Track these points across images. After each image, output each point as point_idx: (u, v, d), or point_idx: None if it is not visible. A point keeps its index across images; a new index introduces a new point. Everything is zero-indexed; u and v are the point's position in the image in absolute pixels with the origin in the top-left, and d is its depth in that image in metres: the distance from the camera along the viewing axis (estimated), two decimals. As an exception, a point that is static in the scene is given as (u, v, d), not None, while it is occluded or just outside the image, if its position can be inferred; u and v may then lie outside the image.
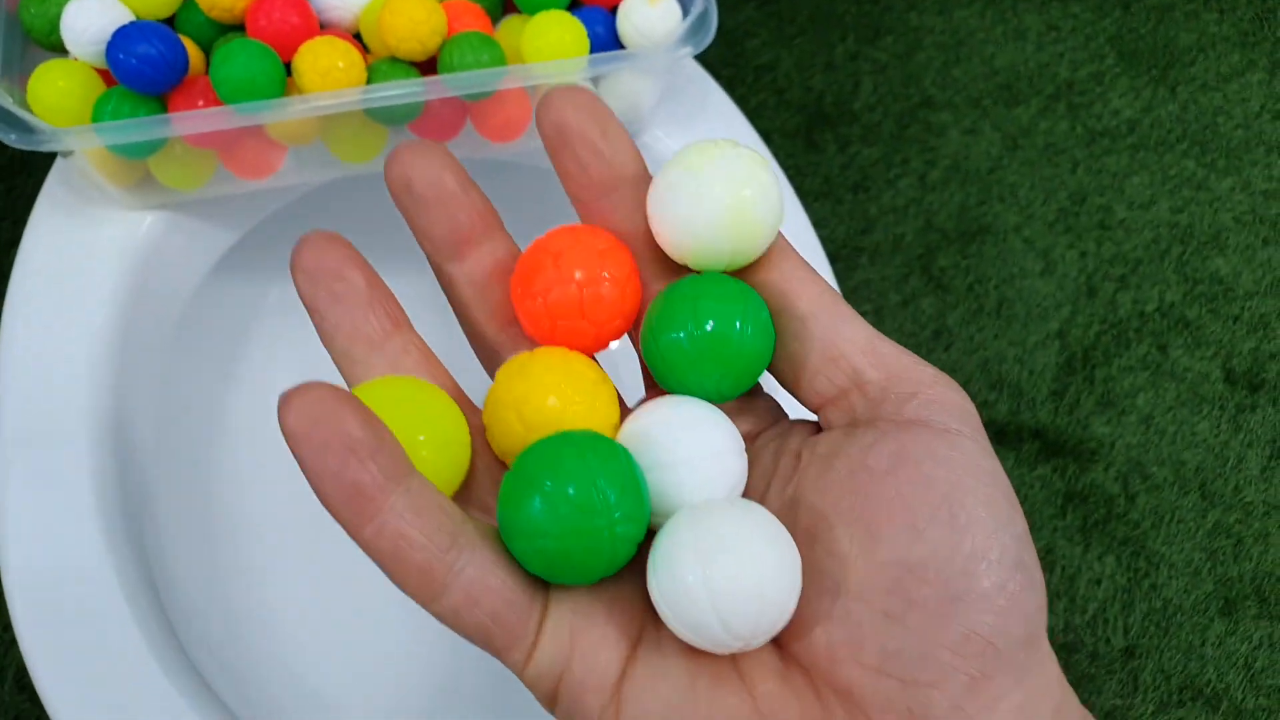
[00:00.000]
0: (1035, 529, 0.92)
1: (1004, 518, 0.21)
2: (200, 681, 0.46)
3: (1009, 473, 0.93)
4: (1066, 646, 0.88)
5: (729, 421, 0.22)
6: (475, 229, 0.24)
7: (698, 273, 0.24)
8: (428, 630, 0.67)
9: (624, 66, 0.50)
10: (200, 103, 0.47)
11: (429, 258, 0.24)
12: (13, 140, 0.44)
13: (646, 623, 0.22)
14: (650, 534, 0.22)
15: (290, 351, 0.71)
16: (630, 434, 0.22)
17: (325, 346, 0.23)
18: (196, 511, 0.62)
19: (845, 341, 0.22)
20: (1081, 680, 0.86)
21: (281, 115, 0.46)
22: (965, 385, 0.98)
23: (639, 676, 0.20)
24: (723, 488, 0.22)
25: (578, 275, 0.23)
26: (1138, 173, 1.11)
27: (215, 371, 0.65)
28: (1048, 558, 0.91)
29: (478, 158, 0.59)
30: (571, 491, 0.20)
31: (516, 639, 0.20)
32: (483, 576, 0.20)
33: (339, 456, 0.18)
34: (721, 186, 0.22)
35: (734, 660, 0.21)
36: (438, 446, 0.21)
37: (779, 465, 0.23)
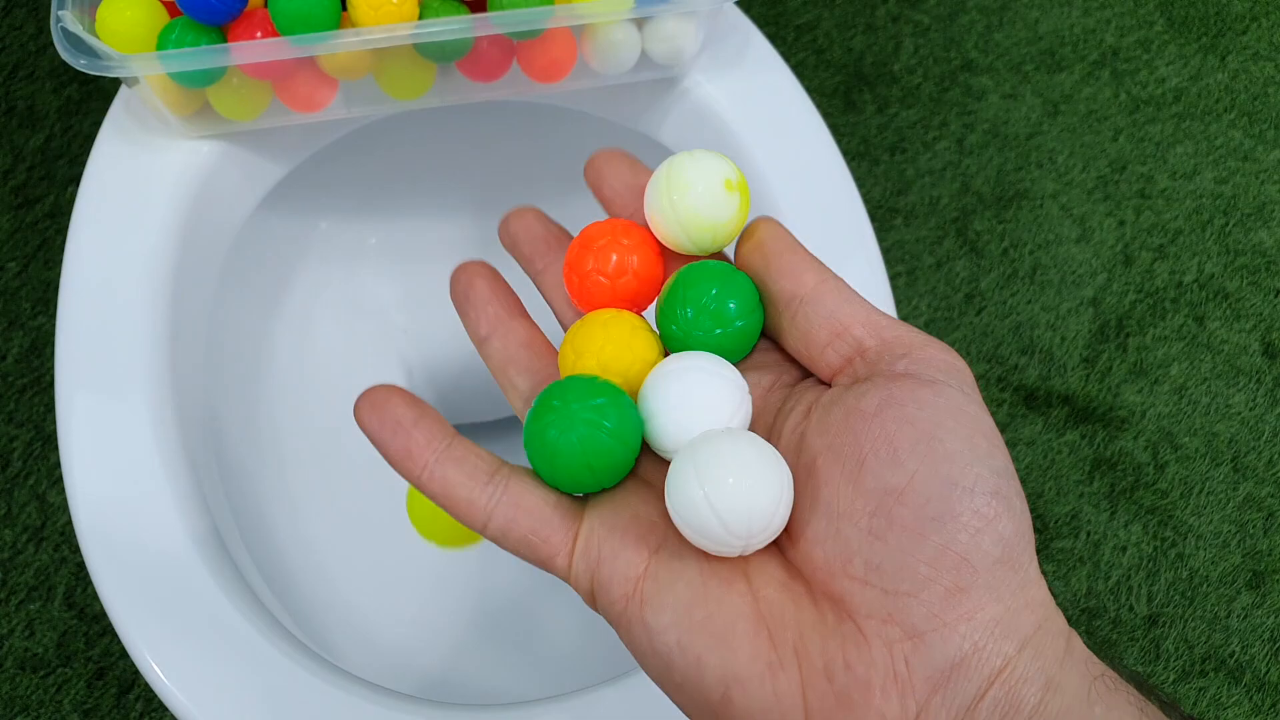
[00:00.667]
0: (1062, 494, 0.93)
1: (982, 452, 0.23)
2: (256, 601, 0.48)
3: (1037, 437, 0.94)
4: (1089, 611, 0.88)
5: (733, 370, 0.27)
6: (551, 249, 0.31)
7: (701, 258, 0.30)
8: (456, 562, 0.69)
9: (669, 9, 0.50)
10: (259, 34, 0.48)
11: (527, 272, 0.32)
12: (81, 65, 0.46)
13: (668, 536, 0.25)
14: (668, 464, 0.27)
15: (333, 289, 0.72)
16: (652, 379, 0.27)
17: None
18: (243, 440, 0.64)
19: (848, 318, 0.26)
20: (1103, 646, 0.87)
21: (335, 48, 0.48)
22: (996, 349, 0.99)
23: (658, 574, 0.24)
24: (725, 421, 0.26)
25: (611, 262, 0.29)
26: (1182, 142, 1.10)
27: (261, 302, 0.67)
28: (1072, 523, 0.91)
29: (523, 99, 0.60)
30: (575, 408, 0.25)
31: (555, 549, 0.26)
32: (518, 503, 0.26)
33: (392, 429, 0.26)
34: (680, 185, 0.28)
35: (743, 569, 0.24)
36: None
37: (791, 414, 0.27)
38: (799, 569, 0.25)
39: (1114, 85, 1.12)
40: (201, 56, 0.47)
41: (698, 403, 0.26)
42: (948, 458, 0.23)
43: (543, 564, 0.26)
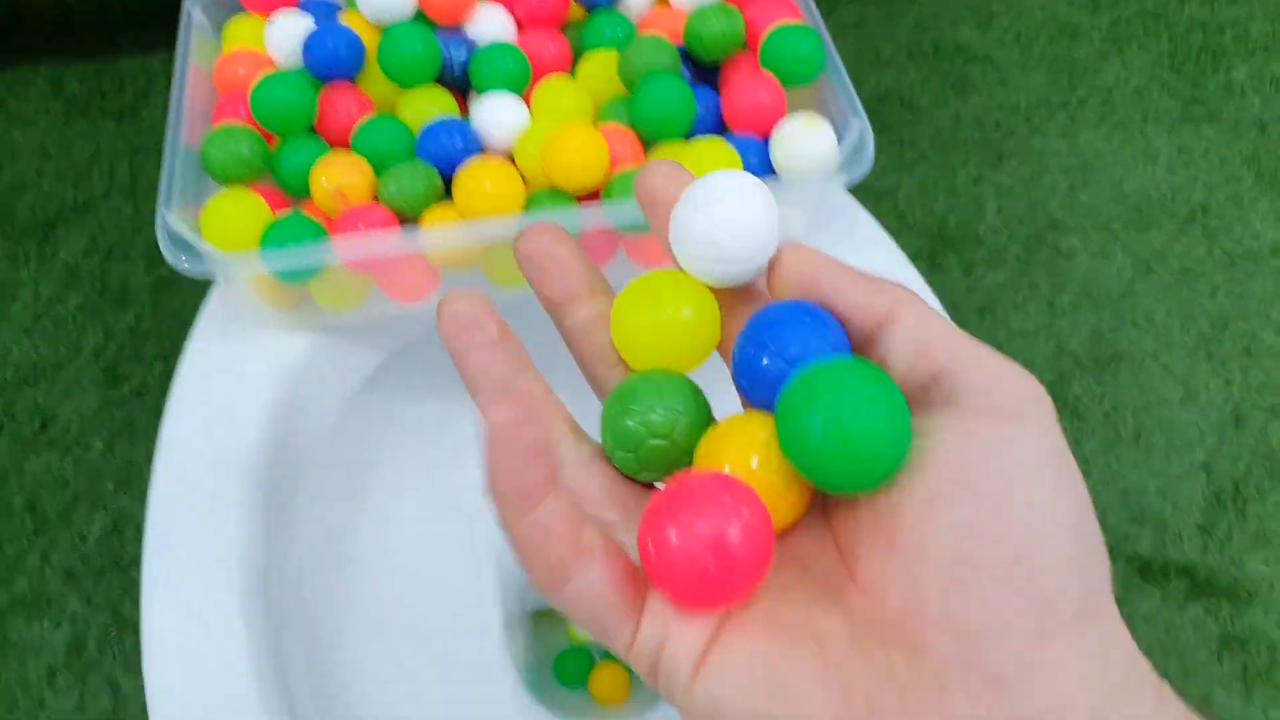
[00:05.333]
0: (1190, 676, 0.87)
1: (1065, 492, 0.22)
2: None
3: (1156, 612, 0.88)
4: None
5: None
6: (581, 290, 0.28)
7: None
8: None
9: (779, 194, 0.49)
10: (360, 226, 0.47)
11: (549, 313, 0.29)
12: (184, 267, 0.45)
13: (730, 611, 0.24)
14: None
15: (418, 474, 0.71)
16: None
17: (465, 384, 0.27)
18: (330, 637, 0.62)
19: (927, 339, 0.24)
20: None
21: (440, 242, 0.47)
22: (1104, 516, 0.94)
23: (722, 646, 0.23)
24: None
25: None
26: (1283, 297, 1.06)
27: (351, 488, 0.66)
28: (1203, 708, 0.84)
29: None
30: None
31: (621, 627, 0.24)
32: (598, 575, 0.24)
33: (524, 460, 0.23)
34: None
35: (810, 628, 0.23)
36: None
37: None
38: (868, 620, 0.23)
39: (1207, 242, 1.10)
40: (305, 255, 0.46)
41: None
42: (1030, 498, 0.22)
43: (606, 639, 0.25)
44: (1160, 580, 0.91)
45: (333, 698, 0.60)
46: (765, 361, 0.24)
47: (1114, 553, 0.91)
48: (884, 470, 0.23)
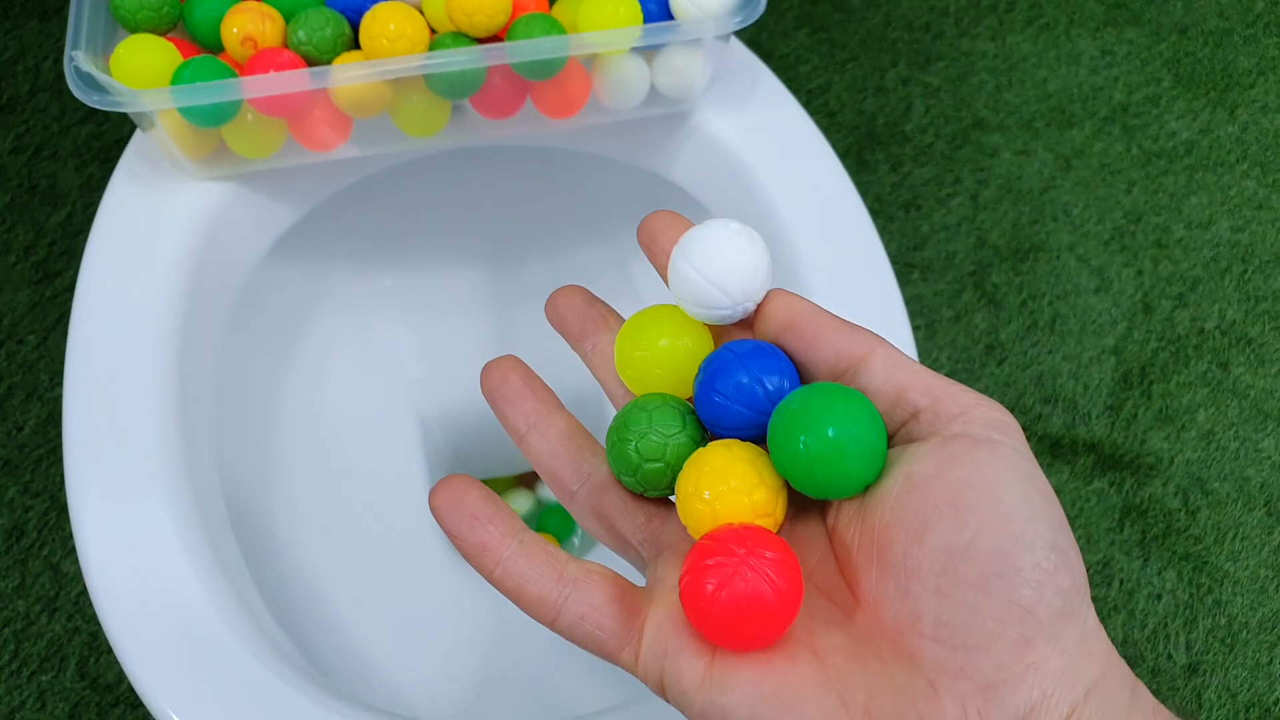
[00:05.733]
0: (1092, 542, 0.91)
1: (1039, 507, 0.24)
2: (275, 649, 0.46)
3: (1064, 485, 0.92)
4: (1126, 660, 0.85)
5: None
6: (599, 326, 0.32)
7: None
8: (468, 596, 0.67)
9: (676, 37, 0.51)
10: (271, 70, 0.49)
11: (576, 351, 0.33)
12: (94, 101, 0.46)
13: None
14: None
15: (346, 339, 0.72)
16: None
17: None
18: (255, 491, 0.63)
19: (902, 381, 0.26)
20: (1142, 696, 0.84)
21: (346, 79, 0.48)
22: (1018, 399, 0.97)
23: (728, 658, 0.25)
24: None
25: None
26: (1196, 193, 1.10)
27: (273, 352, 0.67)
28: (1104, 571, 0.89)
29: (537, 143, 0.60)
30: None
31: (622, 644, 0.26)
32: (587, 600, 0.27)
33: (469, 523, 0.27)
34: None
35: (809, 643, 0.25)
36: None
37: None
38: (866, 633, 0.25)
39: (1125, 140, 1.13)
40: (213, 90, 0.47)
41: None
42: (1008, 515, 0.24)
43: (609, 657, 0.27)
44: (1069, 456, 0.95)
45: (265, 562, 0.61)
46: (716, 399, 0.28)
47: (1027, 431, 0.94)
48: (867, 475, 0.26)
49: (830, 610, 0.26)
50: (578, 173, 0.69)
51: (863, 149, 1.12)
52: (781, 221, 0.55)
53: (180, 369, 0.51)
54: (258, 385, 0.66)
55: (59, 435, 0.92)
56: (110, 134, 1.09)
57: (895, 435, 0.27)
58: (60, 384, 0.94)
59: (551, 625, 0.27)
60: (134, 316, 0.51)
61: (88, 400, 0.49)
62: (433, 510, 0.27)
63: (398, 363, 0.73)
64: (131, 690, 0.81)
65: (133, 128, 0.65)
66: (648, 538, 0.29)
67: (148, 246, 0.53)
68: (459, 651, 0.65)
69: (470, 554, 0.27)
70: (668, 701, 0.26)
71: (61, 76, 1.12)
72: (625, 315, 0.32)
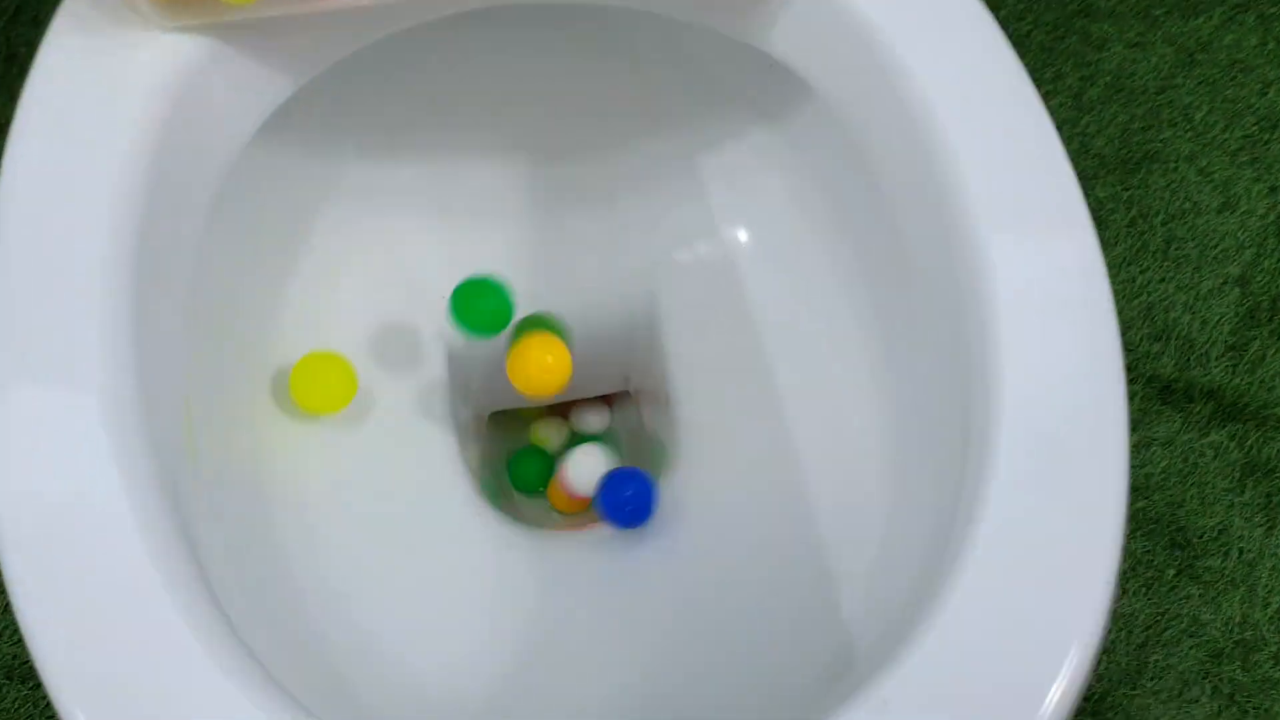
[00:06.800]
0: (1207, 504, 0.81)
1: None
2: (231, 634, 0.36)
3: (1175, 437, 0.81)
4: (1243, 644, 0.76)
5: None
6: None
7: None
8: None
9: None
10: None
11: None
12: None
13: None
14: None
15: (358, 249, 0.61)
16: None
17: None
18: (238, 431, 0.52)
19: None
20: (1263, 686, 0.74)
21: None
22: (1124, 333, 0.86)
23: None
24: None
25: None
26: (1341, 97, 0.97)
27: (268, 261, 0.56)
28: (1221, 539, 0.79)
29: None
30: None
31: None
32: None
33: None
34: None
35: None
36: None
37: None
38: None
39: (1260, 31, 0.99)
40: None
41: None
42: None
43: None
44: (1182, 403, 0.84)
45: (250, 515, 0.52)
46: None
47: (1133, 373, 0.83)
48: None
49: None
50: (643, 41, 0.56)
51: (953, 35, 0.98)
52: (929, 109, 0.42)
53: (135, 273, 0.40)
54: (247, 299, 0.55)
55: None
56: None
57: None
58: None
59: None
60: (75, 210, 0.40)
61: (11, 302, 0.38)
62: None
63: (422, 276, 0.62)
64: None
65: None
66: None
67: (96, 116, 0.41)
68: (491, 631, 0.55)
69: None
70: None
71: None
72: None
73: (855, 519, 0.52)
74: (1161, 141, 0.94)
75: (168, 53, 0.42)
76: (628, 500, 0.57)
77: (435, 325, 0.62)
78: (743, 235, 0.61)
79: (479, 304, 0.53)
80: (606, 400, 0.75)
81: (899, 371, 0.52)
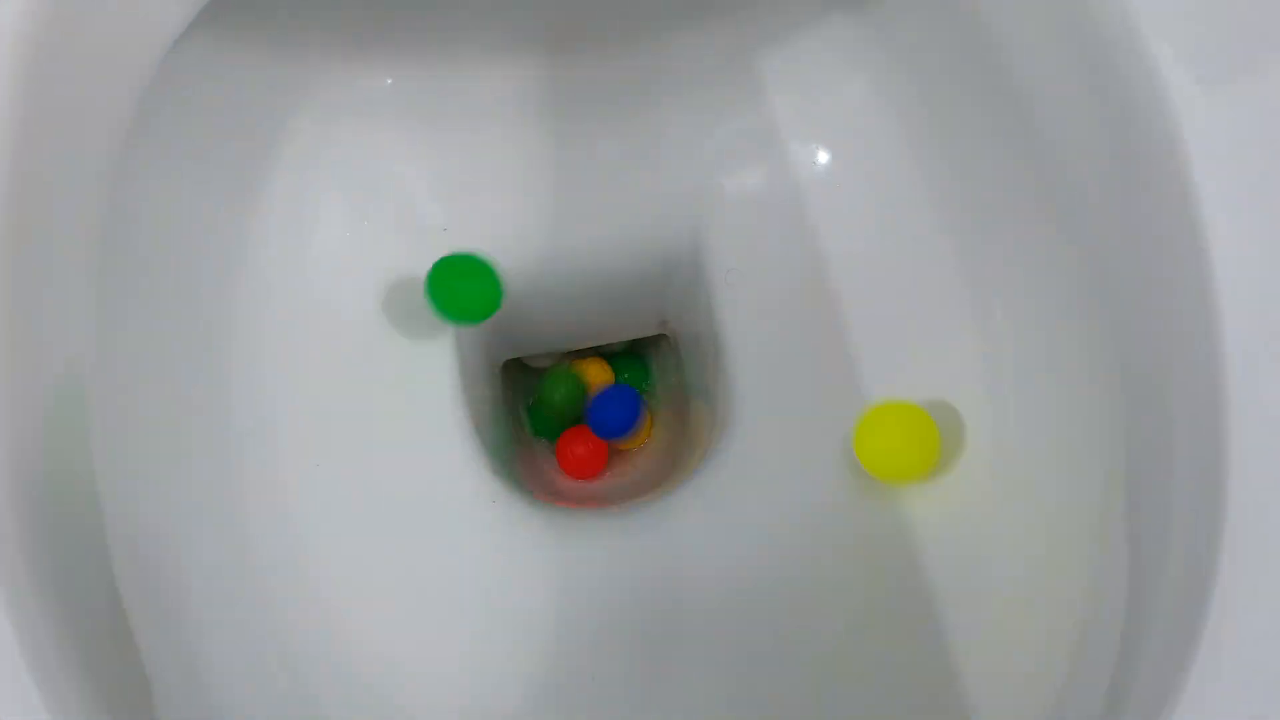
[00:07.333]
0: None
1: None
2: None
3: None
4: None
5: None
6: None
7: None
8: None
9: None
10: None
11: None
12: None
13: None
14: None
15: (335, 167, 0.51)
16: None
17: None
18: (191, 395, 0.43)
19: None
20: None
21: None
22: None
23: None
24: None
25: None
26: None
27: (215, 190, 0.46)
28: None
29: None
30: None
31: None
32: None
33: None
34: None
35: None
36: None
37: None
38: None
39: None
40: None
41: None
42: None
43: None
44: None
45: (212, 499, 0.45)
46: None
47: None
48: None
49: None
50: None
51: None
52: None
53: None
54: (194, 236, 0.45)
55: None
56: None
57: None
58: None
59: None
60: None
61: None
62: None
63: (410, 203, 0.52)
64: None
65: None
66: None
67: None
68: (489, 628, 0.48)
69: None
70: None
71: None
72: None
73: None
74: None
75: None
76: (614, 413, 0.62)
77: (429, 258, 0.52)
78: (814, 154, 0.51)
79: (461, 286, 0.49)
80: (636, 346, 0.66)
81: (1017, 329, 0.42)
